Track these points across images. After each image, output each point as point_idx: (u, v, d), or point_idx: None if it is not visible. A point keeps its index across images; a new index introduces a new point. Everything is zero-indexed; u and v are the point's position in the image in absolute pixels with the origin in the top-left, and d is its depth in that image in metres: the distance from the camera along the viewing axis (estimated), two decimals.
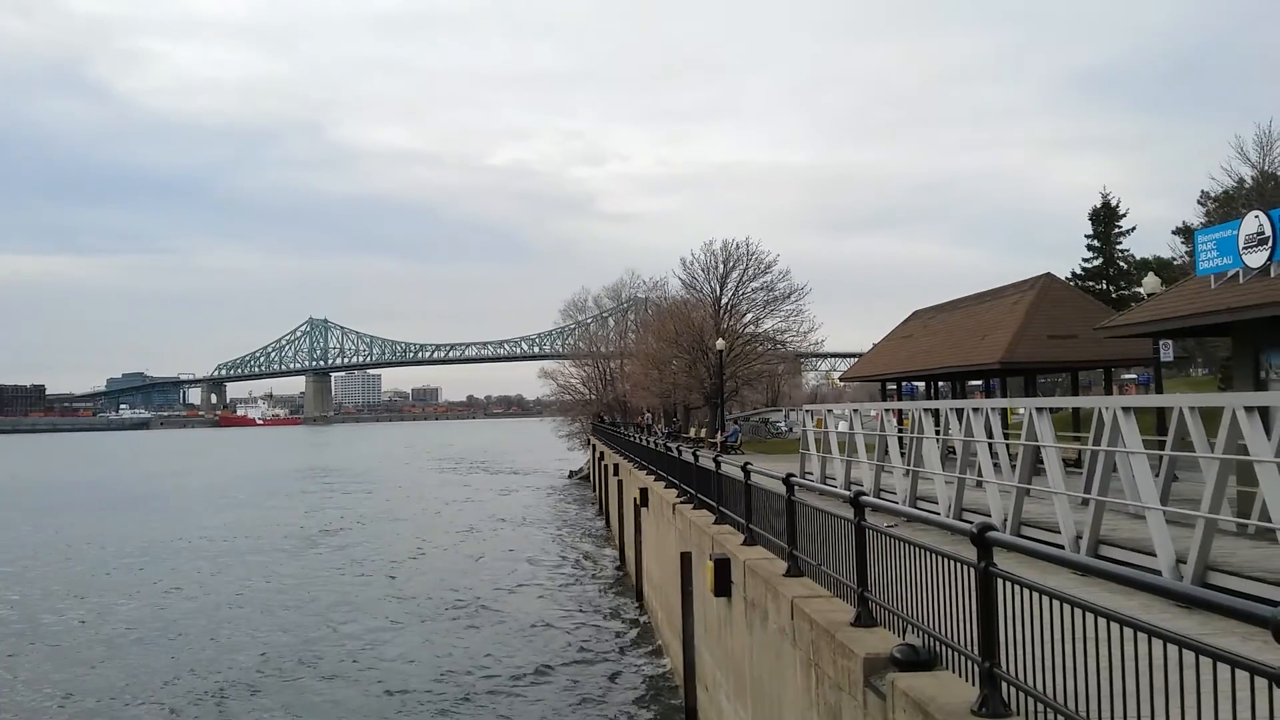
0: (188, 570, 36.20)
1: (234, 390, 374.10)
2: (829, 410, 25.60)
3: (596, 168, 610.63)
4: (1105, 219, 54.46)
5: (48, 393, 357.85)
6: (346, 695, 20.32)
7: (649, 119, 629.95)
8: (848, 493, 8.46)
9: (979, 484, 14.92)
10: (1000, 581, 5.39)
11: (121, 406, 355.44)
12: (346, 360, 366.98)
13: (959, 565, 5.93)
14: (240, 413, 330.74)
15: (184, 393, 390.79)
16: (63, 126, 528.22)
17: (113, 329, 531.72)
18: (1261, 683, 3.27)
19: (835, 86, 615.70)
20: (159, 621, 27.71)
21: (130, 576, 35.37)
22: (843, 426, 23.05)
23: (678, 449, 23.63)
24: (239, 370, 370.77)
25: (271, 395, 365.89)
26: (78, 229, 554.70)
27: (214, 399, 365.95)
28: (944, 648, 6.34)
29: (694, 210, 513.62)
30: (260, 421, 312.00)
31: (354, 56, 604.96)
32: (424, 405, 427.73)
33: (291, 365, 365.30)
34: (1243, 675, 3.38)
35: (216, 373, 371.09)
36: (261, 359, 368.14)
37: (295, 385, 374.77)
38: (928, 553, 6.55)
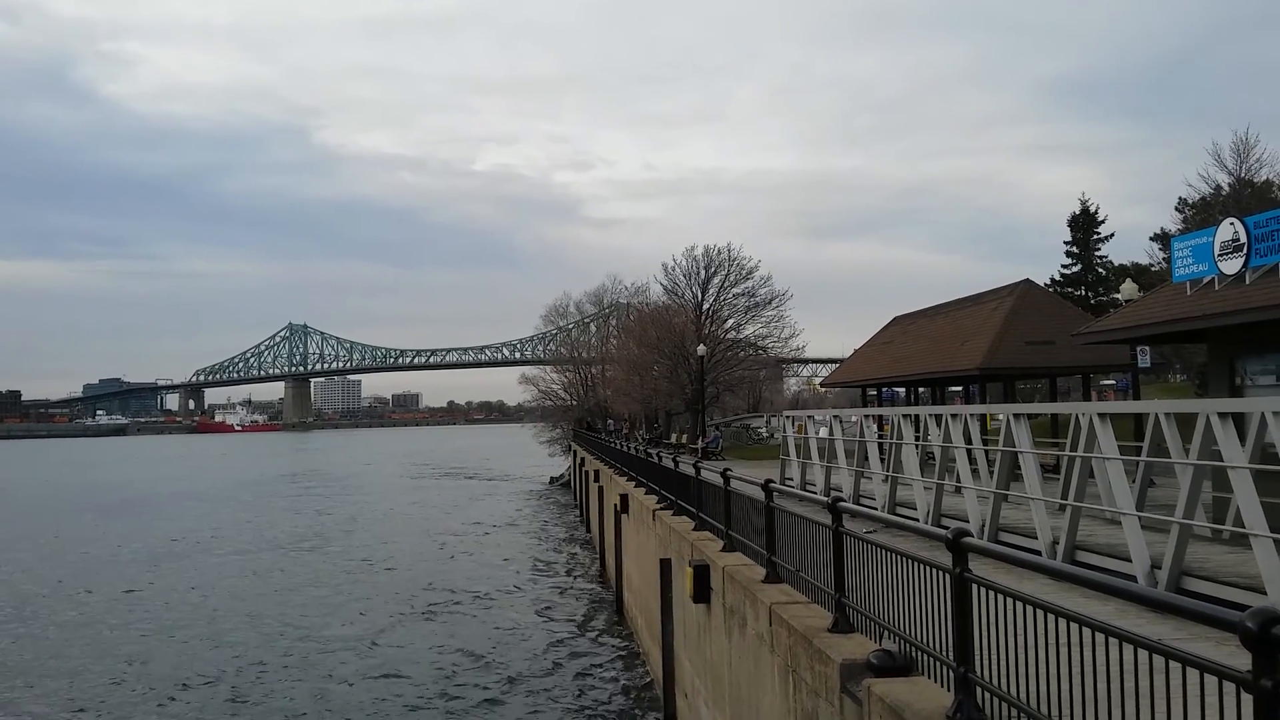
0: (171, 575, 35.91)
1: (212, 396, 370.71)
2: (809, 416, 25.65)
3: (582, 173, 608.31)
4: (1084, 225, 54.84)
5: (23, 398, 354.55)
6: (322, 700, 20.15)
7: (635, 124, 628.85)
8: (826, 499, 8.46)
9: (958, 490, 14.97)
10: (975, 587, 5.40)
11: (98, 412, 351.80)
12: (326, 366, 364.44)
13: (935, 571, 5.93)
14: (219, 419, 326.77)
15: (162, 398, 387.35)
16: (44, 130, 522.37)
17: (90, 334, 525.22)
18: (1230, 686, 3.29)
19: (818, 92, 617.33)
20: (147, 622, 27.80)
21: (121, 578, 35.24)
22: (823, 432, 23.10)
23: (658, 455, 23.62)
24: (217, 376, 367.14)
25: (250, 401, 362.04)
26: (56, 233, 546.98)
27: (192, 405, 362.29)
28: (920, 653, 6.35)
29: (678, 215, 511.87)
30: (239, 428, 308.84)
31: (339, 62, 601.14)
32: (404, 411, 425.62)
33: (271, 371, 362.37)
34: (1212, 679, 3.40)
35: (195, 378, 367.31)
36: (240, 365, 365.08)
37: (274, 391, 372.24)
38: (904, 558, 6.56)
